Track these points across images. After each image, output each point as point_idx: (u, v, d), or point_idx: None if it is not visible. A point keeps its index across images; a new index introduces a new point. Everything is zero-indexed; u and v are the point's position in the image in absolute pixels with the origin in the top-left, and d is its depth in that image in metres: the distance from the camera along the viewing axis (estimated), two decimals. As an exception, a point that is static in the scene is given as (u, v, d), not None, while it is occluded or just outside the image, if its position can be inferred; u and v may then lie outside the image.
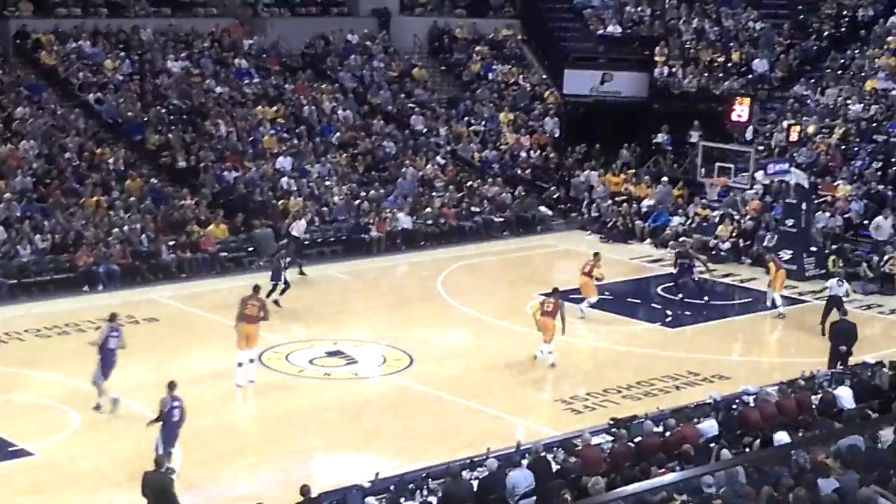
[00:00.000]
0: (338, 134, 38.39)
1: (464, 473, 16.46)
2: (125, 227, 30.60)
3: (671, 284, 29.94)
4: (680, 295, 29.32)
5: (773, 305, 28.29)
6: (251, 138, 36.53)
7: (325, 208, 34.10)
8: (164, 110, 36.53)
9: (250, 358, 22.51)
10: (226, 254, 31.46)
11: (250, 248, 31.93)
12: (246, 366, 22.42)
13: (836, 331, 23.61)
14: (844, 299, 26.56)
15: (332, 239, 33.45)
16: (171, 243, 30.79)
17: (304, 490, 15.16)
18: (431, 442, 19.82)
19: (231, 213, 32.82)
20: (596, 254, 28.71)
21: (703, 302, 29.25)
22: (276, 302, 27.13)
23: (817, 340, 26.19)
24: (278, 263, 27.99)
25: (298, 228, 31.81)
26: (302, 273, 30.85)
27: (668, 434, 17.76)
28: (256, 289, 23.39)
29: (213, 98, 37.71)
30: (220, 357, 23.21)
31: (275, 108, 38.32)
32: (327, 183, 35.40)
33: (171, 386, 18.50)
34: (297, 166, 35.78)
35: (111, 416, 20.66)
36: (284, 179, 34.84)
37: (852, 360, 22.42)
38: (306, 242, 32.20)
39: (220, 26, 41.39)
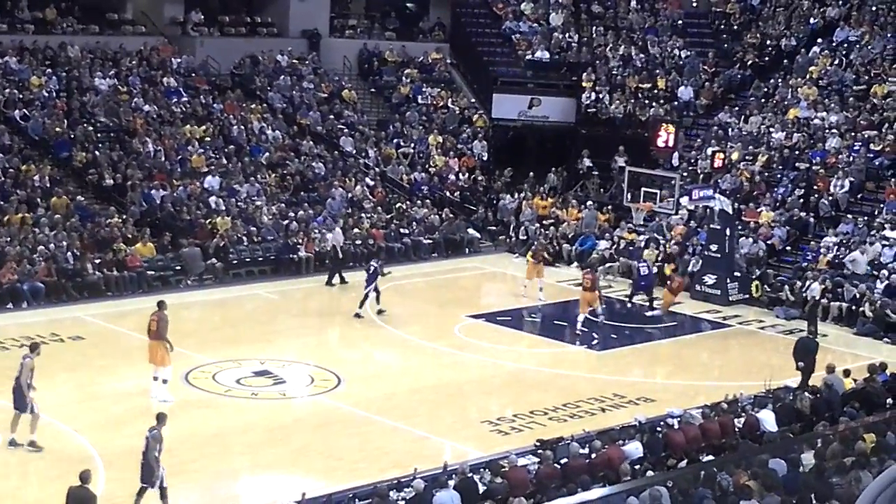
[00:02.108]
0: (267, 154, 38.34)
1: (391, 494, 16.53)
2: (51, 245, 30.30)
3: None
4: None
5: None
6: (179, 157, 36.36)
7: (253, 228, 34.03)
8: (91, 128, 36.26)
9: (154, 376, 22.25)
10: (153, 272, 31.24)
11: (177, 267, 31.77)
12: (159, 382, 22.24)
13: (795, 347, 24.34)
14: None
15: (260, 259, 33.37)
16: (98, 261, 30.54)
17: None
18: (358, 462, 19.84)
19: (158, 232, 32.65)
20: (586, 268, 29.64)
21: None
22: (357, 315, 28.70)
23: (741, 364, 26.63)
24: (368, 272, 29.15)
25: (336, 238, 32.48)
26: (339, 282, 32.07)
27: (593, 455, 17.96)
28: (160, 305, 23.11)
29: (141, 116, 37.49)
30: (146, 376, 23.05)
31: (203, 128, 38.18)
32: (256, 203, 35.33)
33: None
34: (226, 186, 35.68)
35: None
36: (213, 199, 34.72)
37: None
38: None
39: (149, 45, 41.18)
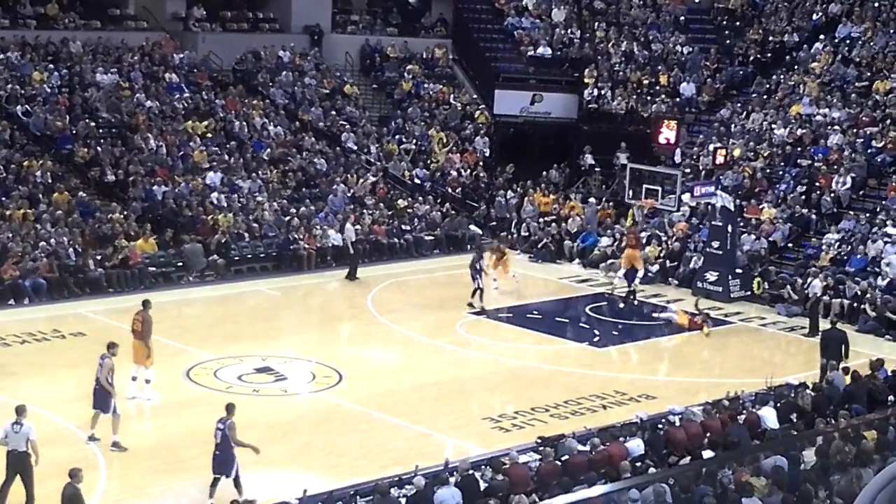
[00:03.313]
0: (268, 150, 38.34)
1: (392, 491, 16.53)
2: (52, 241, 30.33)
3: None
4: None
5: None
6: (181, 153, 36.36)
7: (255, 224, 34.02)
8: (93, 123, 36.28)
9: (133, 376, 22.04)
10: (154, 268, 31.22)
11: (179, 263, 31.77)
12: (140, 382, 22.09)
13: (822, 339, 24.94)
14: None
15: (262, 255, 33.35)
16: (99, 257, 30.55)
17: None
18: (360, 459, 19.85)
19: (160, 228, 32.65)
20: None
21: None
22: (470, 304, 29.53)
23: (742, 361, 26.63)
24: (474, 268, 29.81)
25: (348, 234, 32.80)
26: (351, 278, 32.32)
27: (594, 452, 17.96)
28: (145, 304, 22.87)
29: (143, 112, 37.49)
30: (148, 371, 23.04)
31: (205, 123, 38.17)
32: (258, 198, 35.31)
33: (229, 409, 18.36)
34: (228, 182, 35.68)
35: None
36: (214, 195, 34.73)
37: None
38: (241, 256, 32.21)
39: (151, 40, 41.18)
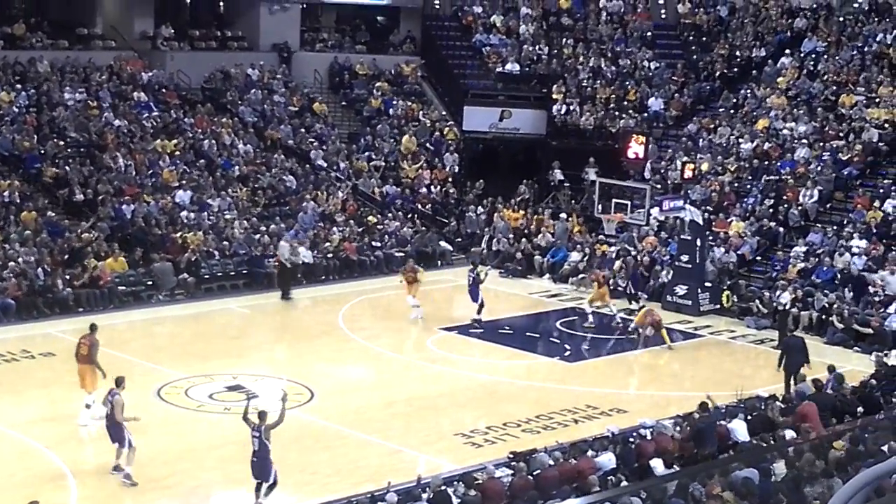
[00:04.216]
0: (238, 168, 38.28)
1: (365, 508, 16.52)
2: (21, 261, 30.18)
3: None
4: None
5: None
6: (150, 171, 36.27)
7: (225, 242, 33.95)
8: (61, 143, 36.14)
9: (87, 403, 21.65)
10: (124, 287, 31.13)
11: (149, 282, 31.68)
12: (93, 408, 21.55)
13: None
14: None
15: (232, 273, 33.28)
16: (68, 277, 30.41)
17: None
18: (332, 476, 19.83)
19: (130, 247, 32.55)
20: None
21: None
22: (476, 321, 29.69)
23: (712, 374, 26.75)
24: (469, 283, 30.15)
25: (283, 251, 32.59)
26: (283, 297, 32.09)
27: (555, 465, 18.00)
28: (92, 328, 22.59)
29: (112, 131, 37.36)
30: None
31: (174, 142, 38.09)
32: (227, 216, 35.26)
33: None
34: (197, 200, 35.61)
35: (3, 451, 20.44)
36: (184, 213, 34.66)
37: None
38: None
39: (119, 59, 41.07)
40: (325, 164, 40.36)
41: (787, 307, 30.04)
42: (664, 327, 28.85)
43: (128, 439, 19.23)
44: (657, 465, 18.03)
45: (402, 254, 36.07)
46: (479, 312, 29.83)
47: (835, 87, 39.71)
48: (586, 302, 31.08)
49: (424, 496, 16.75)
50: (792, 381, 23.52)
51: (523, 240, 37.09)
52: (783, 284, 31.13)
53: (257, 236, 34.43)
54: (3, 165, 34.82)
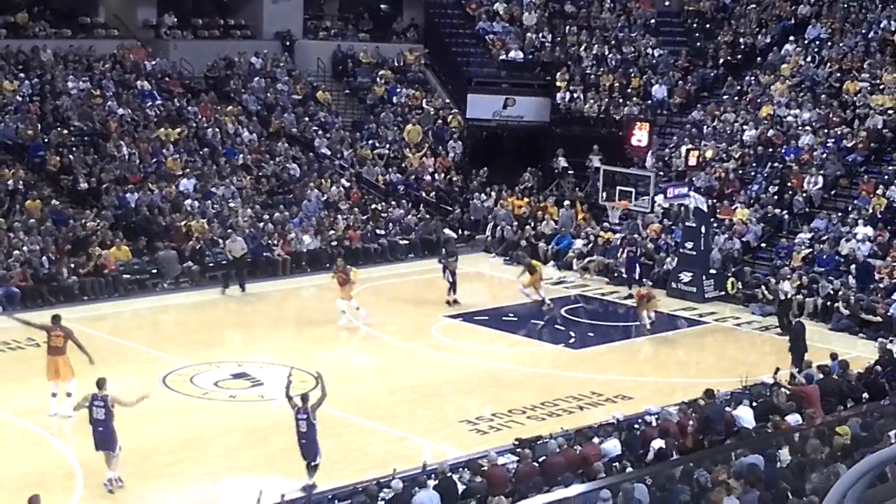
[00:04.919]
0: (242, 156, 38.28)
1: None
2: (25, 249, 30.20)
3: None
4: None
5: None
6: (154, 160, 36.27)
7: (229, 230, 33.94)
8: (64, 131, 36.13)
9: (67, 392, 21.35)
10: (128, 276, 31.17)
11: (154, 270, 31.70)
12: (61, 398, 21.28)
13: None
14: None
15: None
16: (73, 265, 30.43)
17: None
18: (337, 463, 19.80)
19: (134, 235, 32.56)
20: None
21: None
22: (448, 303, 30.40)
23: (717, 361, 26.74)
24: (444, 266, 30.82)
25: (232, 245, 32.06)
26: (225, 288, 31.63)
27: (560, 450, 18.03)
28: (56, 319, 22.28)
29: (115, 119, 37.36)
30: (123, 379, 22.94)
31: (178, 130, 38.07)
32: (231, 205, 35.26)
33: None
34: (201, 188, 35.61)
35: (6, 437, 20.46)
36: (188, 201, 34.66)
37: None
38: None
39: (122, 48, 41.05)
40: (328, 153, 40.35)
41: (790, 294, 29.98)
42: (652, 309, 28.76)
43: (118, 444, 18.58)
44: (658, 443, 18.04)
45: (406, 241, 36.11)
46: (448, 293, 30.64)
47: (839, 74, 39.63)
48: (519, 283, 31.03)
49: (430, 483, 16.76)
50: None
51: (527, 227, 37.07)
52: (785, 273, 31.07)
53: (261, 224, 34.42)
54: (7, 154, 34.82)
